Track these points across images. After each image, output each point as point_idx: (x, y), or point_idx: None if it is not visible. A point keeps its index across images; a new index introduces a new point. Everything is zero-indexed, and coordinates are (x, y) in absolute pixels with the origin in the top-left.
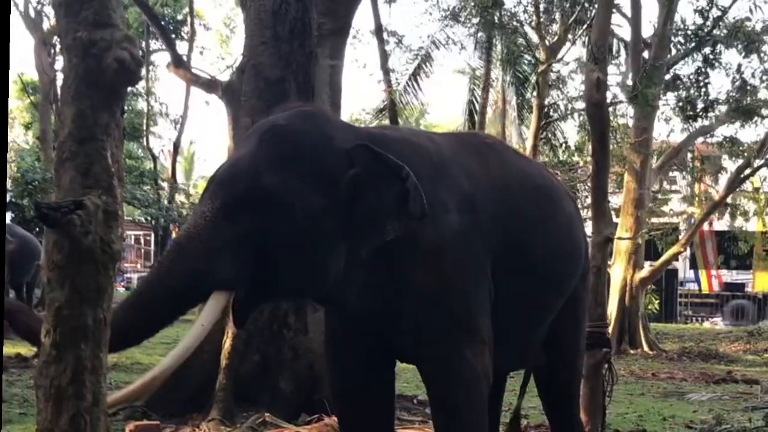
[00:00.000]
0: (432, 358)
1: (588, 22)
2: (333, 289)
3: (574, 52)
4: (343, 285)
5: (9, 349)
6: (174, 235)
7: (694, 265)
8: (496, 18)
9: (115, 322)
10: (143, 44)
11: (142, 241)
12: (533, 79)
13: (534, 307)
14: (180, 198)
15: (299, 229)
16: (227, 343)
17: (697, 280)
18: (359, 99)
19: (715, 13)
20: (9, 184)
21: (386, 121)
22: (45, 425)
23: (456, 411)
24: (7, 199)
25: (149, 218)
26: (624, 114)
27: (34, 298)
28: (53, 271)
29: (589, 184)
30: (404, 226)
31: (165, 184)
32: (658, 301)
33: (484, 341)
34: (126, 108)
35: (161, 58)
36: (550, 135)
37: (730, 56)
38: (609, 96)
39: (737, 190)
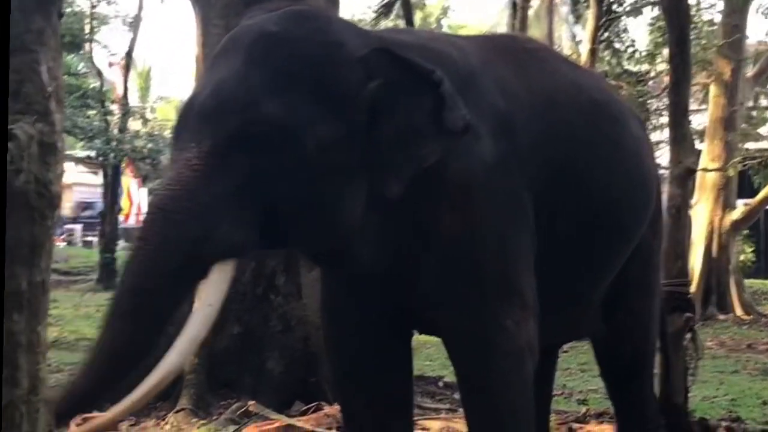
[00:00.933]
0: (461, 328)
1: None
2: (345, 240)
3: None
4: (357, 234)
5: None
6: (128, 174)
7: None
8: None
9: (118, 338)
10: None
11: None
12: None
13: (591, 258)
14: (134, 125)
15: (312, 166)
16: None
17: None
18: None
19: None
20: None
21: (400, 24)
22: None
23: (493, 395)
24: None
25: (95, 153)
26: (710, 7)
27: None
28: None
29: (663, 99)
30: (443, 146)
31: (115, 108)
32: (754, 251)
33: (528, 305)
34: (63, 10)
35: None
36: (612, 36)
37: None
38: None
39: None
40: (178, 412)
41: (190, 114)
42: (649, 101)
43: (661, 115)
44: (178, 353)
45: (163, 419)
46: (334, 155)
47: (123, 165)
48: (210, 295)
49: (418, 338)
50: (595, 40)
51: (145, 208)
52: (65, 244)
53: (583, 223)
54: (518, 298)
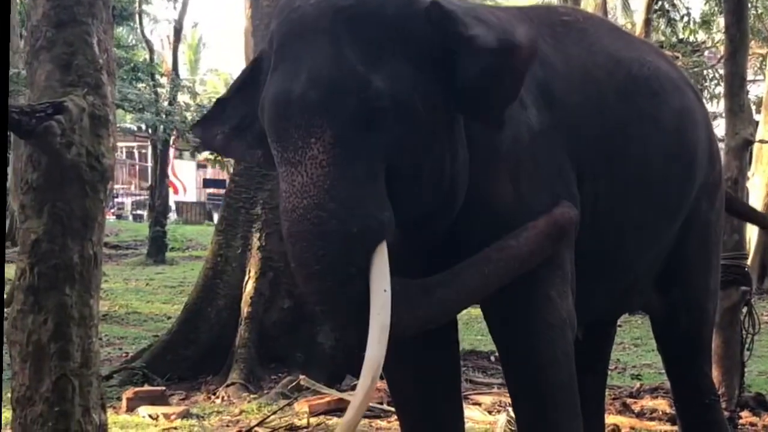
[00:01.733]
0: (506, 299)
1: None
2: (456, 198)
3: None
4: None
5: None
6: (176, 147)
7: None
8: None
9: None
10: None
11: (136, 155)
12: None
13: (630, 232)
14: (184, 98)
15: (426, 127)
16: (249, 284)
17: None
18: None
19: None
20: None
21: None
22: (22, 392)
23: (537, 366)
24: None
25: (145, 125)
26: None
27: None
28: (28, 193)
29: (720, 69)
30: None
31: (164, 81)
32: None
33: (567, 278)
34: None
35: None
36: (667, 5)
37: None
38: None
39: None
40: (228, 386)
41: (289, 109)
42: (705, 71)
43: (717, 85)
44: (376, 345)
45: (214, 393)
46: (440, 109)
47: (172, 138)
48: (379, 279)
49: (470, 312)
50: (649, 9)
51: (188, 182)
52: (115, 217)
53: (619, 198)
54: (560, 271)
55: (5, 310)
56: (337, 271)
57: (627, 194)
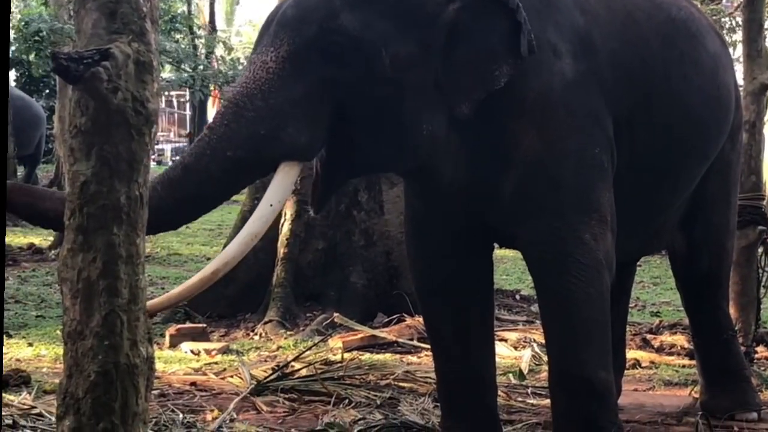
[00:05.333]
0: (541, 242)
1: None
2: (426, 159)
3: None
4: (437, 153)
5: (20, 239)
6: (215, 96)
7: None
8: None
9: (154, 200)
10: None
11: (175, 104)
12: None
13: (668, 175)
14: (219, 51)
15: (387, 83)
16: (285, 227)
17: None
18: None
19: None
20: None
21: None
22: (73, 327)
23: (571, 307)
24: (10, 55)
25: (183, 76)
26: None
27: (37, 176)
28: (76, 137)
29: (738, 16)
30: (513, 69)
31: (201, 33)
32: None
33: (606, 220)
34: None
35: None
36: None
37: None
38: None
39: None
40: (266, 323)
41: (271, 21)
42: (722, 19)
43: (735, 32)
44: (238, 245)
45: (252, 330)
46: (409, 75)
47: (212, 88)
48: (273, 195)
49: (495, 253)
50: None
51: None
52: (156, 164)
53: (659, 141)
54: (596, 213)
55: (52, 251)
56: (224, 143)
57: (666, 137)
